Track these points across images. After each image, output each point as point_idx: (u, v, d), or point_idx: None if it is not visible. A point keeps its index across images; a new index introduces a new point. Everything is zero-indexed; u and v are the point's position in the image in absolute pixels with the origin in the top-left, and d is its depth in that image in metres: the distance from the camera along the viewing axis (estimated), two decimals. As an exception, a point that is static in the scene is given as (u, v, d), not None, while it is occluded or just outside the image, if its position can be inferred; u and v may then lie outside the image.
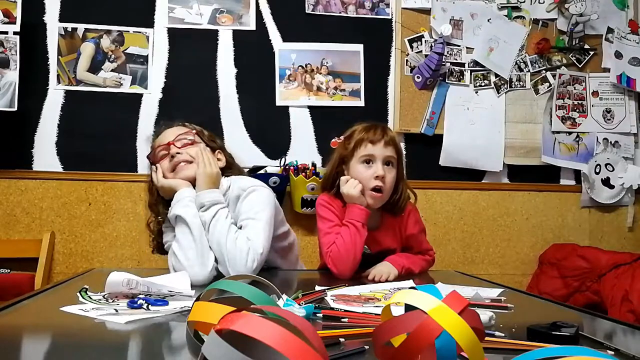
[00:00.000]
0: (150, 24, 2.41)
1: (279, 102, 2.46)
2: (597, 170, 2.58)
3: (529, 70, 2.59)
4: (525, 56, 2.58)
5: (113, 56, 2.38)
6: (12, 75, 2.19)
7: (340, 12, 2.50)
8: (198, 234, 1.31)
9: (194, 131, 1.52)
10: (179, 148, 1.46)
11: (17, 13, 2.20)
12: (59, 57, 2.35)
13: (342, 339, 0.75)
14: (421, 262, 1.62)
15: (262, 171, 2.30)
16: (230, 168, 1.54)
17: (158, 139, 1.54)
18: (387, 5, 2.53)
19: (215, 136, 1.61)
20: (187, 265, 1.28)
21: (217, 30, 2.44)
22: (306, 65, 2.47)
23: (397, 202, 1.56)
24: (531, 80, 2.59)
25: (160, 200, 1.48)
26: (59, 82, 2.34)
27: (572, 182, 2.62)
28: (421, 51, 2.53)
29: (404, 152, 2.47)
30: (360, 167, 1.51)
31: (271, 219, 1.40)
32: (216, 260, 1.32)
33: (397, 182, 1.55)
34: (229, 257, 1.28)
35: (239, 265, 1.28)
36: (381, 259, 1.58)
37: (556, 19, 2.60)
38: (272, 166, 2.34)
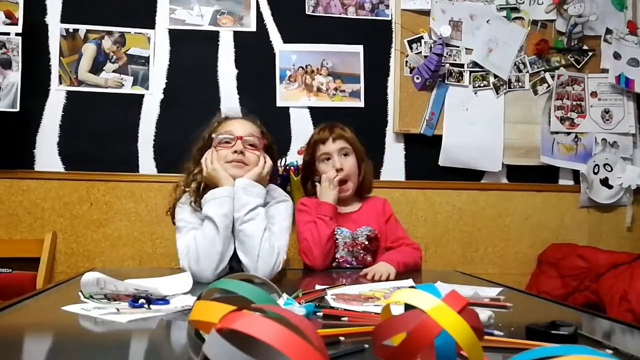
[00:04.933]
0: (151, 25, 2.41)
1: (279, 102, 2.46)
2: (596, 171, 2.59)
3: (527, 71, 2.59)
4: (524, 57, 2.59)
5: (114, 57, 2.38)
6: (14, 76, 2.20)
7: (340, 14, 2.50)
8: (224, 234, 1.37)
9: (264, 140, 1.57)
10: (245, 147, 1.50)
11: (19, 14, 2.20)
12: (61, 57, 2.35)
13: (342, 338, 0.75)
14: (411, 253, 1.69)
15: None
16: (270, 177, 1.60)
17: (224, 124, 1.57)
18: (387, 6, 2.54)
19: (273, 141, 1.67)
20: (204, 261, 1.33)
21: (217, 32, 2.44)
22: (306, 66, 2.48)
23: (362, 182, 1.80)
24: (530, 81, 2.59)
25: (200, 175, 1.51)
26: (60, 82, 2.35)
27: (571, 182, 2.63)
28: (421, 52, 2.53)
29: (403, 153, 2.51)
30: (322, 165, 1.77)
31: (290, 229, 1.53)
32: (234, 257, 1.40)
33: (359, 165, 1.79)
34: (262, 254, 1.36)
35: (268, 264, 1.37)
36: (372, 246, 1.71)
37: (555, 20, 2.60)
38: (273, 166, 2.34)
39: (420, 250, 1.74)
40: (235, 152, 1.48)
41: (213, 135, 1.54)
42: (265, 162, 1.51)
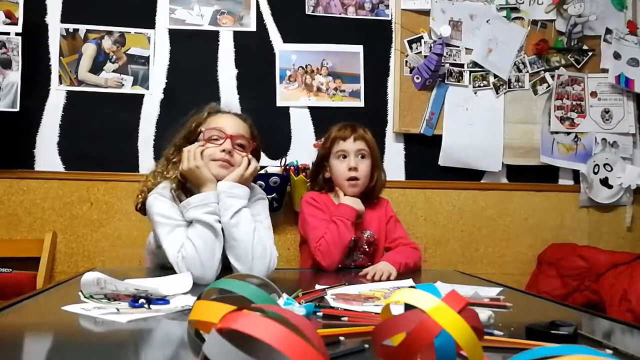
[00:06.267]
0: (151, 25, 2.41)
1: (279, 102, 2.46)
2: (596, 170, 2.59)
3: (527, 71, 2.59)
4: (524, 57, 2.59)
5: (114, 57, 2.38)
6: (14, 75, 2.20)
7: (340, 14, 2.50)
8: (222, 240, 1.33)
9: (254, 143, 1.49)
10: (234, 148, 1.43)
11: (19, 14, 2.20)
12: (61, 57, 2.35)
13: (342, 338, 0.75)
14: (412, 254, 1.67)
15: (262, 171, 2.30)
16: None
17: (215, 118, 1.48)
18: (387, 6, 2.54)
19: (261, 144, 1.60)
20: (208, 267, 1.29)
21: (217, 32, 2.44)
22: (306, 66, 2.48)
23: (373, 188, 1.77)
24: (530, 81, 2.59)
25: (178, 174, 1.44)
26: (60, 82, 2.35)
27: (571, 182, 2.63)
28: (420, 52, 2.53)
29: (403, 153, 2.51)
30: (336, 162, 1.74)
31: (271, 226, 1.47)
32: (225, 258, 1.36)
33: (372, 171, 1.76)
34: (255, 255, 1.32)
35: (262, 265, 1.33)
36: (370, 249, 1.70)
37: (555, 20, 2.60)
38: (273, 166, 2.34)
39: (420, 251, 1.73)
40: (224, 151, 1.41)
41: (202, 128, 1.46)
42: (249, 163, 1.43)
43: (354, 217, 1.64)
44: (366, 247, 1.70)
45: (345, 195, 1.73)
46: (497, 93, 2.57)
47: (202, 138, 1.43)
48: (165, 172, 1.47)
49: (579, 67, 2.63)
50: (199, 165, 1.37)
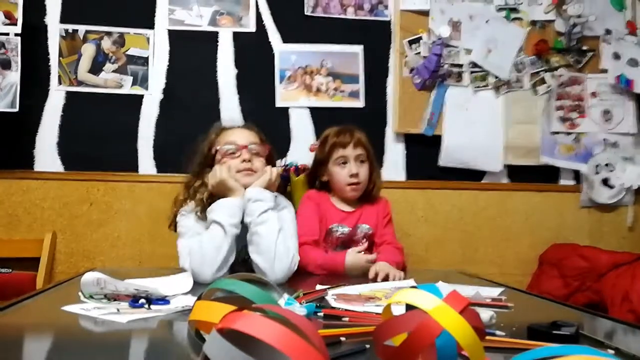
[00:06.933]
0: (150, 25, 2.41)
1: (279, 103, 2.46)
2: (597, 171, 2.59)
3: (527, 72, 2.59)
4: (523, 57, 2.58)
5: (114, 57, 2.38)
6: (14, 76, 2.20)
7: (339, 14, 2.50)
8: (231, 242, 1.39)
9: (267, 148, 1.60)
10: (251, 156, 1.52)
11: (19, 14, 2.20)
12: (60, 58, 2.35)
13: (342, 338, 0.75)
14: (400, 256, 1.70)
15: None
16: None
17: (224, 135, 1.58)
18: (386, 7, 2.53)
19: (273, 150, 1.69)
20: (208, 262, 1.34)
21: (217, 32, 2.44)
22: (306, 67, 2.47)
23: (372, 191, 1.80)
24: (530, 81, 2.59)
25: (204, 187, 1.51)
26: (60, 83, 2.35)
27: (572, 182, 2.62)
28: (420, 52, 2.52)
29: (404, 153, 2.52)
30: (336, 168, 1.76)
31: (296, 232, 1.55)
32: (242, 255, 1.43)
33: (370, 174, 1.79)
34: (278, 255, 1.38)
35: (284, 265, 1.39)
36: (367, 241, 1.73)
37: (554, 20, 2.60)
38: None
39: (403, 255, 1.75)
40: (244, 160, 1.50)
41: (218, 148, 1.55)
42: (273, 171, 1.53)
43: (338, 270, 1.59)
44: (364, 240, 1.72)
45: (346, 196, 1.75)
46: (497, 93, 2.56)
47: (220, 156, 1.53)
48: (187, 199, 1.54)
49: (579, 67, 2.62)
50: (224, 177, 1.45)
